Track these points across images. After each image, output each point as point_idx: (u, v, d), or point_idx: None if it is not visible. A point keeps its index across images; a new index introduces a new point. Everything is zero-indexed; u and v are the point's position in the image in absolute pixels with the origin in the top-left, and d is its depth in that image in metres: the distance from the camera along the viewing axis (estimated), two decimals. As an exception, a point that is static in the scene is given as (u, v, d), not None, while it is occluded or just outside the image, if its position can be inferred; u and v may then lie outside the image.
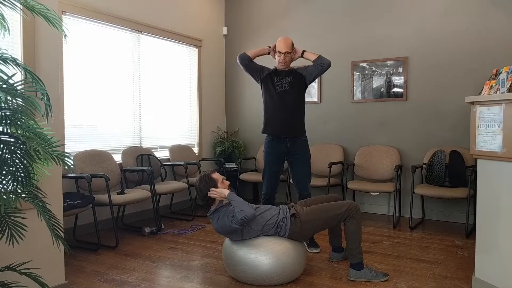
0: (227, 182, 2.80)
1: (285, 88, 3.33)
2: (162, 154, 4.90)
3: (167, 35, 4.94)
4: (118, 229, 4.00)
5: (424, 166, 4.27)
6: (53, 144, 1.63)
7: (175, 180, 4.73)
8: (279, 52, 3.29)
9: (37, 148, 1.49)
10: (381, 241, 3.68)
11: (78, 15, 3.89)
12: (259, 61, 3.43)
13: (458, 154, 4.06)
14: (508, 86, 2.30)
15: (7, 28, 1.56)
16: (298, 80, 3.37)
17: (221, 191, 2.68)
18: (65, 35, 1.88)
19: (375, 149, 4.74)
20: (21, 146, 1.54)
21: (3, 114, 1.54)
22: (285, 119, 3.33)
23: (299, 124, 3.41)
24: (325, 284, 2.69)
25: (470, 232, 3.83)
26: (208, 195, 2.70)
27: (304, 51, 3.39)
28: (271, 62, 3.49)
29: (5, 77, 1.53)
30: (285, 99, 3.32)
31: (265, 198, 3.44)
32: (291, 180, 4.75)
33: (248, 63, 3.39)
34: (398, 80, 4.67)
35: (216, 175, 2.76)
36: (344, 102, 5.01)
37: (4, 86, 1.53)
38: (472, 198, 3.80)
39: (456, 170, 4.02)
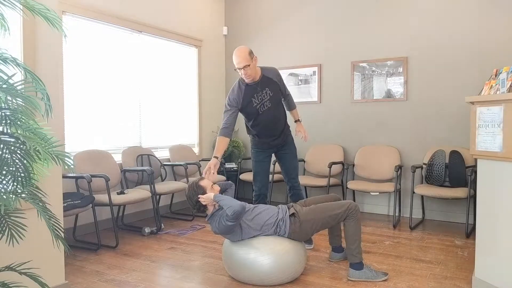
0: (218, 188, 2.80)
1: (268, 107, 3.18)
2: (162, 154, 4.90)
3: (167, 35, 4.94)
4: (118, 229, 4.00)
5: (424, 166, 4.27)
6: (53, 144, 1.63)
7: (175, 180, 4.73)
8: (238, 68, 3.01)
9: (37, 148, 1.49)
10: (381, 241, 3.69)
11: (78, 15, 3.89)
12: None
13: (458, 154, 4.06)
14: (508, 86, 2.30)
15: (7, 28, 1.56)
16: (275, 90, 3.21)
17: (208, 196, 2.69)
18: (65, 35, 1.88)
19: (375, 149, 4.74)
20: (21, 146, 1.54)
21: (3, 114, 1.54)
22: (273, 136, 3.31)
23: (286, 132, 3.40)
24: (325, 284, 2.69)
25: (470, 232, 3.83)
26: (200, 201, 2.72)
27: (298, 120, 3.50)
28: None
29: (5, 77, 1.53)
30: (270, 117, 3.22)
31: (258, 199, 3.38)
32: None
33: (231, 130, 3.14)
34: (398, 80, 4.67)
35: (205, 182, 2.76)
36: (344, 102, 5.01)
37: (4, 86, 1.53)
38: (472, 198, 3.80)
39: (456, 170, 4.02)
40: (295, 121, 3.52)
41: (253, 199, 3.43)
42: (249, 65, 2.98)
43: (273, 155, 3.47)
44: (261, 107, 3.18)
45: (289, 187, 3.45)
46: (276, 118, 3.28)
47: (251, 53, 3.01)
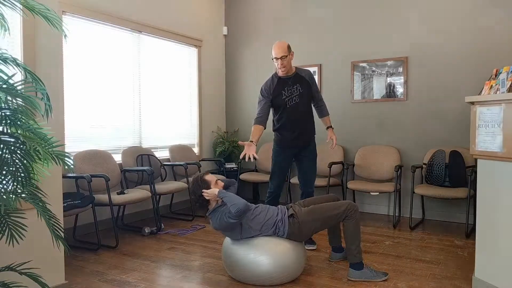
0: (222, 183, 2.80)
1: (295, 102, 3.29)
2: (162, 154, 4.90)
3: (167, 35, 4.94)
4: (118, 229, 4.00)
5: (424, 166, 4.27)
6: (53, 144, 1.63)
7: (175, 180, 4.73)
8: (275, 58, 3.20)
9: (37, 148, 1.49)
10: (381, 241, 3.68)
11: (78, 15, 3.89)
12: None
13: (458, 154, 4.06)
14: (508, 86, 2.30)
15: (7, 28, 1.56)
16: (306, 88, 3.33)
17: (212, 191, 2.68)
18: (65, 35, 1.88)
19: (375, 149, 4.74)
20: (21, 146, 1.54)
21: (3, 114, 1.54)
22: (299, 133, 3.35)
23: (312, 131, 3.46)
24: (325, 284, 2.69)
25: (470, 232, 3.83)
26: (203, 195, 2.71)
27: (330, 127, 3.53)
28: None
29: (5, 77, 1.53)
30: (296, 113, 3.30)
31: (272, 197, 3.43)
32: (291, 180, 4.76)
33: (265, 119, 3.26)
34: (398, 80, 4.67)
35: (209, 177, 2.76)
36: (344, 102, 5.01)
37: (4, 86, 1.53)
38: (472, 198, 3.80)
39: (456, 170, 4.02)
40: (327, 128, 3.53)
41: (267, 195, 3.47)
42: (286, 56, 3.19)
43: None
44: (290, 101, 3.29)
45: (302, 193, 3.44)
46: (302, 115, 3.34)
47: (289, 47, 3.23)
